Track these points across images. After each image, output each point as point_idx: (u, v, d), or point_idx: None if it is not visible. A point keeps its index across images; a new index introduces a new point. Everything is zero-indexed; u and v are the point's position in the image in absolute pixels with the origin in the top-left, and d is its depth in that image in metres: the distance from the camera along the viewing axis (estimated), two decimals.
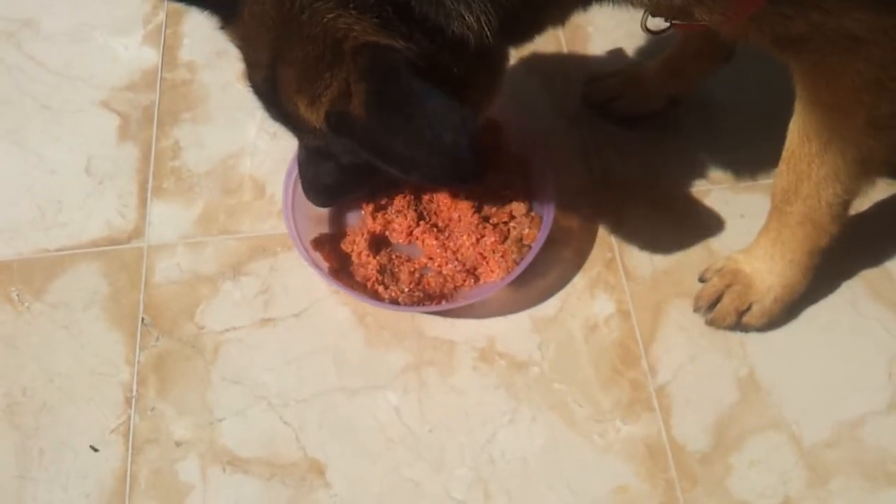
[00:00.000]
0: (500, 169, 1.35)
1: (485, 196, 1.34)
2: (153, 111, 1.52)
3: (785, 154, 1.14)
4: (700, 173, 1.42)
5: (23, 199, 1.44)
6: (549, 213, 1.30)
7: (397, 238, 1.34)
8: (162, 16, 1.65)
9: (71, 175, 1.46)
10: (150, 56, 1.60)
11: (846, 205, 1.16)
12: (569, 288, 1.32)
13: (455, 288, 1.29)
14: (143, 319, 1.30)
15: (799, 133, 1.10)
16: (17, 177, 1.46)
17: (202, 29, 1.60)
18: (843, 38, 0.94)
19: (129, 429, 1.21)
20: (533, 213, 1.33)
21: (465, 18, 0.86)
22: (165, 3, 1.66)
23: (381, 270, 1.29)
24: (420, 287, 1.28)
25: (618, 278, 1.33)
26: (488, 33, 0.87)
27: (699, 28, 1.06)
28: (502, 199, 1.33)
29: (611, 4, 0.98)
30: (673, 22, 1.03)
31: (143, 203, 1.42)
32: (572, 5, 0.99)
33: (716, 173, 1.41)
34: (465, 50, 0.89)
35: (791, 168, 1.14)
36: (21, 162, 1.48)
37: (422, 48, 0.86)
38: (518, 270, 1.26)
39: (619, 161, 1.44)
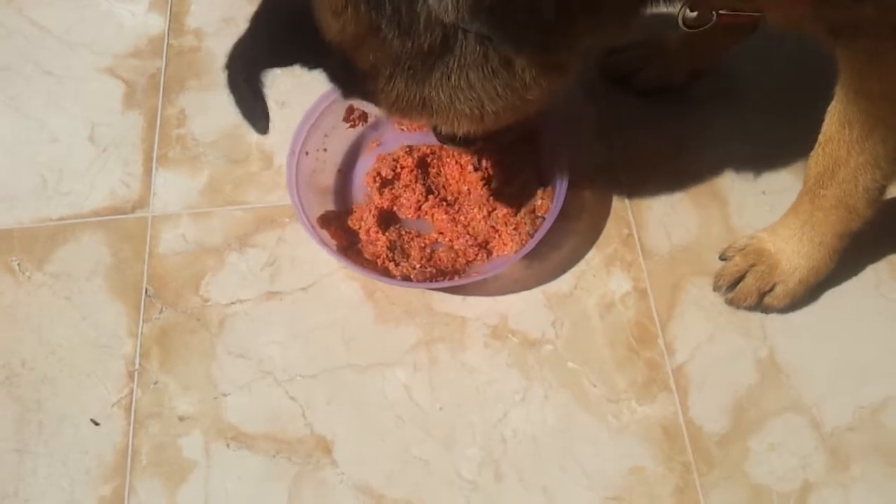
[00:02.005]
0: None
1: (493, 167, 1.30)
2: (159, 78, 1.48)
3: (822, 138, 1.10)
4: (721, 149, 1.37)
5: (24, 167, 1.40)
6: (562, 184, 1.26)
7: (406, 213, 1.31)
8: None
9: (74, 143, 1.42)
10: (157, 22, 1.55)
11: (883, 189, 1.12)
12: (584, 264, 1.28)
13: (467, 262, 1.25)
14: (146, 291, 1.27)
15: (839, 118, 1.06)
16: (17, 144, 1.43)
17: None
18: None
19: (131, 402, 1.19)
20: (545, 185, 1.29)
21: None
22: None
23: (391, 247, 1.26)
24: (432, 263, 1.25)
25: (635, 255, 1.29)
26: None
27: (747, 19, 1.02)
28: (511, 169, 1.28)
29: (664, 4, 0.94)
30: (721, 13, 0.98)
31: (147, 172, 1.38)
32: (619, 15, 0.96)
33: (737, 149, 1.37)
34: None
35: (828, 153, 1.10)
36: (22, 129, 1.44)
37: None
38: (532, 243, 1.22)
39: (638, 135, 1.40)
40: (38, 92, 1.48)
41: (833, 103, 1.06)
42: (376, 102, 1.05)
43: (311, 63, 1.00)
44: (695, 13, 1.06)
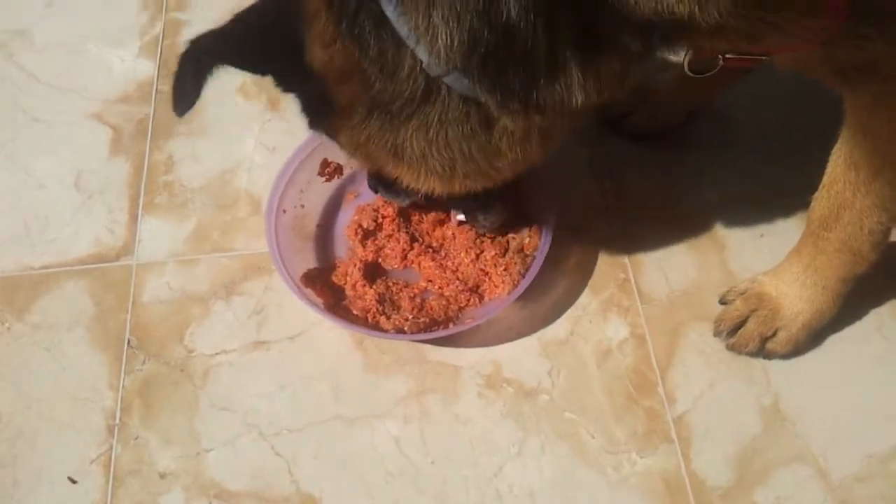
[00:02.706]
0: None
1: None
2: (147, 124, 1.46)
3: (826, 180, 1.08)
4: (717, 191, 1.35)
5: (8, 213, 1.37)
6: (548, 221, 1.23)
7: (391, 264, 1.28)
8: (159, 27, 1.59)
9: (59, 189, 1.40)
10: (146, 68, 1.54)
11: (888, 233, 1.10)
12: (579, 310, 1.25)
13: (460, 309, 1.22)
14: (129, 341, 1.23)
15: (845, 160, 1.04)
16: (2, 191, 1.40)
17: None
18: None
19: (110, 459, 1.14)
20: (531, 223, 1.26)
21: None
22: (164, 14, 1.61)
23: (381, 300, 1.22)
24: (423, 312, 1.21)
25: (632, 300, 1.25)
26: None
27: (754, 64, 0.99)
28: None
29: (669, 51, 0.90)
30: (727, 56, 0.95)
31: (133, 219, 1.35)
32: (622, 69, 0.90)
33: (734, 191, 1.35)
34: None
35: (833, 195, 1.07)
36: (8, 175, 1.42)
37: None
38: (525, 282, 1.19)
39: (632, 177, 1.37)
40: (25, 138, 1.46)
41: (838, 145, 1.04)
42: (341, 139, 1.02)
43: (286, 84, 0.98)
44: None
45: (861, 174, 1.02)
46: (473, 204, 1.21)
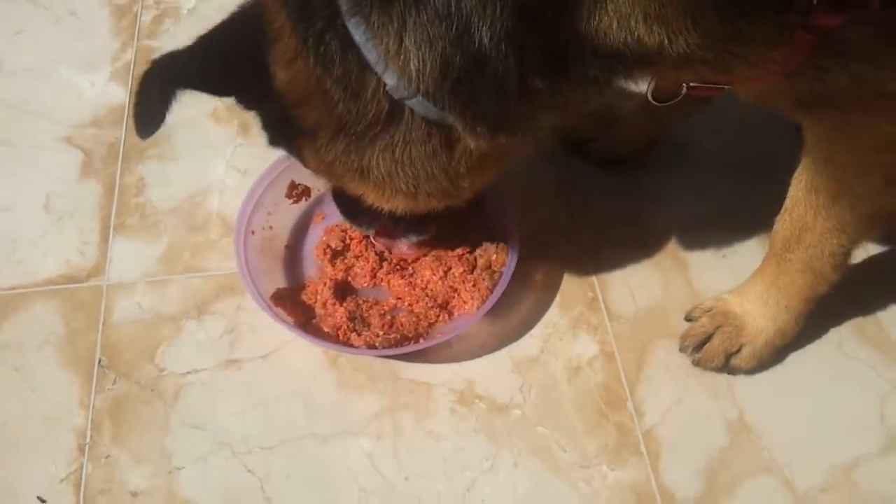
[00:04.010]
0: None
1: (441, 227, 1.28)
2: (118, 148, 1.47)
3: (788, 203, 1.12)
4: (680, 213, 1.39)
5: None
6: (515, 238, 1.26)
7: (361, 283, 1.29)
8: (131, 53, 1.61)
9: (28, 212, 1.39)
10: (117, 93, 1.55)
11: (848, 254, 1.14)
12: (549, 327, 1.27)
13: (430, 325, 1.23)
14: (99, 361, 1.22)
15: (806, 185, 1.08)
16: None
17: None
18: (875, 96, 0.91)
19: (80, 478, 1.12)
20: (496, 240, 1.29)
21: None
22: (135, 40, 1.62)
23: (351, 317, 1.23)
24: (394, 329, 1.23)
25: (600, 318, 1.28)
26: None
27: (717, 93, 1.02)
28: (459, 226, 1.28)
29: (628, 81, 0.93)
30: (691, 85, 0.99)
31: (104, 240, 1.35)
32: (584, 96, 0.94)
33: (695, 212, 1.39)
34: None
35: (794, 218, 1.11)
36: None
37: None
38: (494, 297, 1.21)
39: (598, 200, 1.41)
40: None
41: (799, 170, 1.08)
42: (306, 159, 1.04)
43: (249, 103, 1.00)
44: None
45: (821, 198, 1.06)
46: (412, 223, 1.22)
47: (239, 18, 0.96)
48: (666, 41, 0.78)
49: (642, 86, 1.03)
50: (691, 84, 0.96)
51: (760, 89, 0.95)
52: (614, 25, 0.77)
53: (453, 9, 0.78)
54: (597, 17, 0.78)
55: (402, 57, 0.83)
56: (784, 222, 1.12)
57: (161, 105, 0.91)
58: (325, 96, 0.91)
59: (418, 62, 0.83)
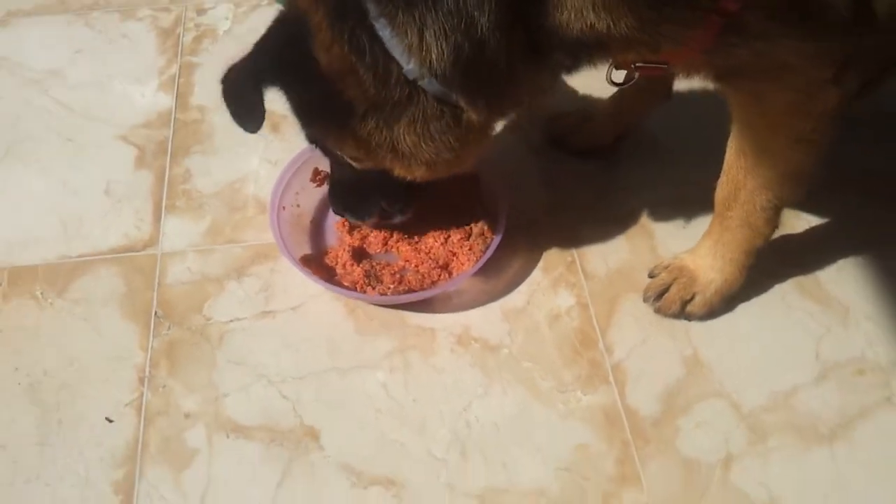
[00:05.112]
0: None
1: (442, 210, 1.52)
2: (167, 144, 1.72)
3: (724, 167, 1.35)
4: (646, 195, 1.62)
5: (47, 216, 1.61)
6: (503, 212, 1.50)
7: (374, 249, 1.53)
8: (175, 68, 1.87)
9: (91, 196, 1.64)
10: (165, 101, 1.81)
11: (777, 210, 1.36)
12: (534, 285, 1.50)
13: (433, 283, 1.46)
14: (156, 313, 1.45)
15: (735, 149, 1.31)
16: (42, 199, 1.64)
17: (211, 79, 1.84)
18: (774, 67, 1.13)
19: (141, 403, 1.35)
20: (490, 216, 1.51)
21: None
22: (179, 57, 1.89)
23: (367, 275, 1.46)
24: (402, 285, 1.45)
25: (577, 278, 1.51)
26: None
27: (660, 72, 1.23)
28: (458, 202, 1.53)
29: (590, 66, 1.17)
30: (637, 66, 1.20)
31: (157, 219, 1.60)
32: (554, 78, 1.19)
33: (660, 194, 1.62)
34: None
35: (730, 179, 1.34)
36: (46, 187, 1.66)
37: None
38: (486, 256, 1.44)
39: (576, 185, 1.65)
40: (61, 156, 1.71)
41: (731, 136, 1.31)
42: (344, 138, 1.24)
43: (302, 87, 1.18)
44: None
45: (748, 160, 1.29)
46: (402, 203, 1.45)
47: (283, 21, 1.19)
48: (612, 25, 1.01)
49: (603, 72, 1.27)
50: (639, 65, 1.20)
51: (688, 64, 1.18)
52: (573, 17, 1.01)
53: (460, 5, 1.01)
54: (559, 12, 1.02)
55: (423, 49, 1.05)
56: (722, 184, 1.35)
57: (257, 101, 1.13)
58: (357, 78, 1.12)
59: (437, 52, 1.05)
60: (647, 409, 1.35)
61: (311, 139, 1.35)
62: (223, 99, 1.18)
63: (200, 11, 1.99)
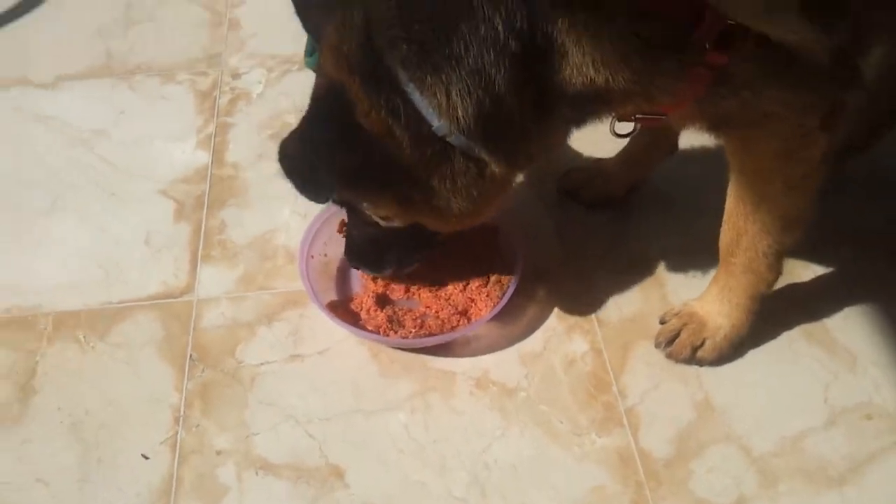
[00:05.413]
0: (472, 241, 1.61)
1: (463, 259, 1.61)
2: (204, 198, 1.82)
3: (725, 215, 1.42)
4: (657, 242, 1.70)
5: (90, 264, 1.71)
6: (520, 260, 1.58)
7: (397, 295, 1.61)
8: (212, 128, 1.99)
9: (132, 245, 1.74)
10: (202, 158, 1.92)
11: (779, 255, 1.42)
12: (550, 332, 1.57)
13: (452, 327, 1.53)
14: (191, 356, 1.54)
15: (734, 197, 1.38)
16: (85, 247, 1.74)
17: (245, 138, 1.99)
18: (760, 116, 1.21)
19: (176, 441, 1.42)
20: (507, 264, 1.59)
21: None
22: (215, 118, 2.01)
23: (389, 320, 1.54)
24: (423, 329, 1.53)
25: (591, 324, 1.58)
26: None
27: (658, 123, 1.32)
28: (477, 252, 1.61)
29: (596, 120, 1.26)
30: (637, 117, 1.29)
31: (193, 267, 1.69)
32: (565, 131, 1.27)
33: (668, 243, 1.69)
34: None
35: (731, 226, 1.41)
36: (89, 236, 1.76)
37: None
38: (503, 302, 1.52)
39: (590, 235, 1.72)
40: (104, 208, 1.82)
41: (729, 185, 1.38)
42: (381, 199, 1.32)
43: (344, 154, 1.24)
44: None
45: (747, 206, 1.36)
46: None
47: (325, 94, 1.26)
48: (610, 79, 1.10)
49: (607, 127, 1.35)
50: (638, 116, 1.29)
51: (683, 114, 1.26)
52: (575, 73, 1.10)
53: (480, 65, 1.10)
54: (564, 69, 1.11)
55: (451, 107, 1.14)
56: (724, 231, 1.42)
57: (327, 173, 1.23)
58: (395, 140, 1.20)
59: (463, 108, 1.14)
60: (660, 452, 1.40)
61: (342, 202, 1.44)
62: (287, 176, 1.25)
63: (235, 76, 2.12)
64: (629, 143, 1.71)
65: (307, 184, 1.26)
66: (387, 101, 1.17)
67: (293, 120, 1.89)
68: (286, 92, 2.07)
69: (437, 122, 1.17)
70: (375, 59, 1.14)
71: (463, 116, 1.14)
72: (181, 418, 1.45)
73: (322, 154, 1.23)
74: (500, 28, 1.06)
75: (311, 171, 1.24)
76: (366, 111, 1.19)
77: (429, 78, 1.13)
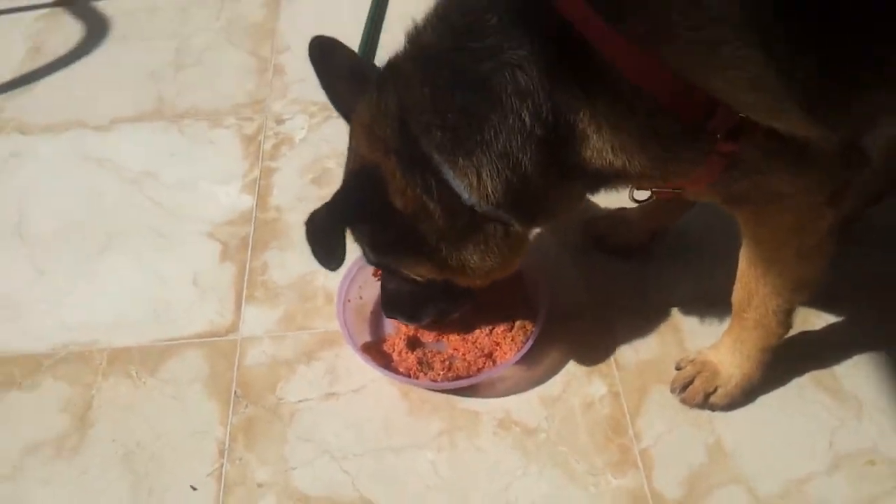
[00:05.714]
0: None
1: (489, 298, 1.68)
2: (248, 240, 1.95)
3: (738, 274, 1.51)
4: (675, 291, 1.79)
5: (142, 303, 1.84)
6: (544, 307, 1.67)
7: (427, 338, 1.71)
8: (257, 172, 2.12)
9: (180, 286, 1.87)
10: (247, 201, 2.05)
11: (788, 313, 1.51)
12: (570, 375, 1.66)
13: (478, 370, 1.64)
14: (235, 392, 1.66)
15: (747, 260, 1.47)
16: (136, 287, 1.87)
17: (288, 182, 2.11)
18: (773, 195, 1.30)
19: (221, 473, 1.54)
20: (532, 310, 1.69)
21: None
22: (260, 162, 2.14)
23: (419, 362, 1.65)
24: (451, 372, 1.63)
25: (610, 368, 1.67)
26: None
27: (673, 195, 1.41)
28: (504, 298, 1.70)
29: (611, 190, 1.35)
30: (654, 190, 1.40)
31: (238, 307, 1.81)
32: (580, 196, 1.38)
33: (687, 291, 1.78)
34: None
35: (743, 285, 1.50)
36: (140, 276, 1.89)
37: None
38: (526, 347, 1.61)
39: (611, 282, 1.82)
40: (153, 249, 1.95)
41: (742, 248, 1.48)
42: (417, 264, 1.43)
43: (374, 228, 1.39)
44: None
45: (758, 270, 1.45)
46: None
47: (358, 172, 1.37)
48: (627, 163, 1.20)
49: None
50: (654, 189, 1.38)
51: (698, 192, 1.36)
52: (595, 156, 1.21)
53: (508, 149, 1.20)
54: (584, 152, 1.21)
55: (481, 186, 1.25)
56: (737, 289, 1.51)
57: (339, 243, 1.32)
58: (429, 213, 1.32)
59: (492, 186, 1.25)
60: (672, 493, 1.49)
61: (377, 264, 1.55)
62: (307, 240, 1.35)
63: (279, 121, 2.25)
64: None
65: (320, 252, 1.34)
66: (422, 179, 1.28)
67: (333, 165, 2.05)
68: (327, 138, 2.19)
69: (468, 197, 1.28)
70: (412, 144, 1.25)
71: (493, 192, 1.25)
72: (226, 451, 1.57)
73: (340, 227, 1.32)
74: (526, 119, 1.16)
75: (328, 241, 1.33)
76: (401, 189, 1.30)
77: (461, 161, 1.24)
